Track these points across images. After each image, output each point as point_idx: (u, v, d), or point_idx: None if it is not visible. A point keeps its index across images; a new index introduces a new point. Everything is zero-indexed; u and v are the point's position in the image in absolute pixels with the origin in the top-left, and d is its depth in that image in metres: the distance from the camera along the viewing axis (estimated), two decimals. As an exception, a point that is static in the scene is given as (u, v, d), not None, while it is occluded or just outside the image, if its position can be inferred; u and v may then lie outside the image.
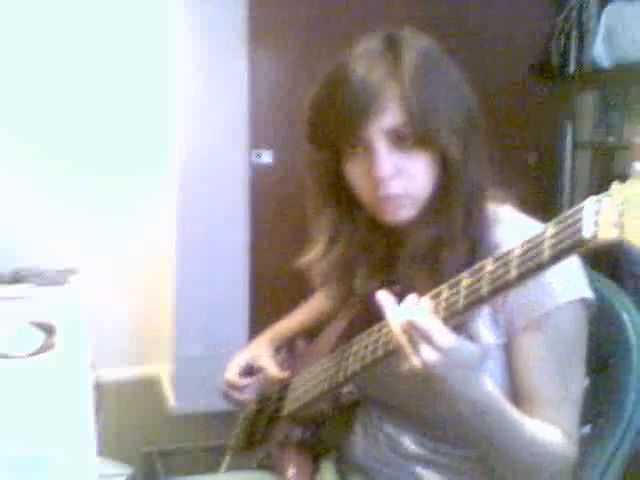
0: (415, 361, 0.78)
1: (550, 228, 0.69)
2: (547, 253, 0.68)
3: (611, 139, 3.01)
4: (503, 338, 0.93)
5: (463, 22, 2.97)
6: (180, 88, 2.86)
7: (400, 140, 0.90)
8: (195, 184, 2.88)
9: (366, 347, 0.92)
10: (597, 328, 0.96)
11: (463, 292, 0.77)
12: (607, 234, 0.64)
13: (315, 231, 1.04)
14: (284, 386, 1.16)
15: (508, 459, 0.89)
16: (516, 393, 0.93)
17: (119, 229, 3.14)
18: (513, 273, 0.72)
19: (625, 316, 1.02)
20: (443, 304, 0.80)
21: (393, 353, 0.86)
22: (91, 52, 2.97)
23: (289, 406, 1.12)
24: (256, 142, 2.94)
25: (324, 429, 1.13)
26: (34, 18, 2.88)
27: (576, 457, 0.93)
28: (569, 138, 2.95)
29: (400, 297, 1.00)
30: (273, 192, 2.96)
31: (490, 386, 0.84)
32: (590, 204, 0.66)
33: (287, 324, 1.31)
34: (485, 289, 0.75)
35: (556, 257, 0.68)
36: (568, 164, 2.95)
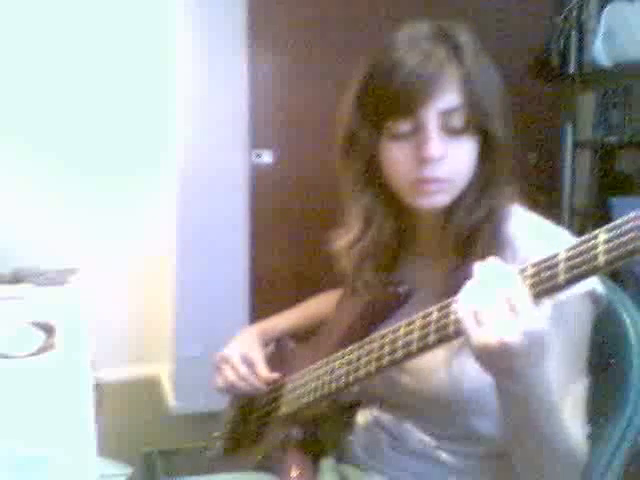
0: (491, 338, 0.73)
1: (602, 234, 0.68)
2: (602, 259, 0.67)
3: (611, 139, 3.01)
4: None
5: (462, 21, 2.97)
6: (180, 88, 2.86)
7: (450, 124, 0.91)
8: (195, 184, 2.88)
9: (381, 348, 0.91)
10: (597, 328, 0.96)
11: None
12: None
13: (347, 216, 1.04)
14: (278, 387, 1.16)
15: (544, 450, 0.86)
16: None
17: (119, 229, 3.14)
18: (562, 277, 0.71)
19: (625, 316, 1.02)
20: None
21: (414, 355, 0.86)
22: (91, 52, 2.97)
23: (288, 406, 1.11)
24: (256, 142, 2.93)
25: (324, 429, 1.12)
26: (34, 19, 2.88)
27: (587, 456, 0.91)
28: (569, 138, 2.95)
29: (406, 298, 1.00)
30: (273, 192, 2.96)
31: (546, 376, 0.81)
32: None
33: (277, 322, 1.29)
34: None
35: (611, 263, 0.67)
36: (568, 164, 2.95)
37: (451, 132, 0.92)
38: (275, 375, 1.16)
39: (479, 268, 0.77)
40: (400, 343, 0.87)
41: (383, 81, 0.93)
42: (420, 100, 0.90)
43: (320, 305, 1.29)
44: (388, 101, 0.92)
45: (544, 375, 0.79)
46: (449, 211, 0.95)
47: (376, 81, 0.94)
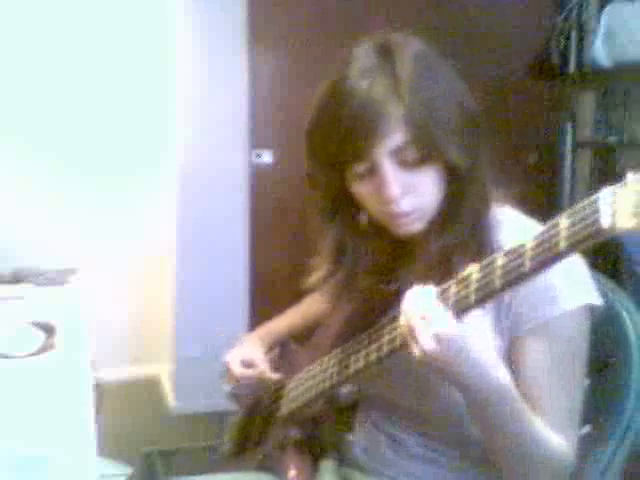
0: (415, 349, 0.79)
1: (563, 219, 0.68)
2: (563, 244, 0.68)
3: (611, 139, 3.01)
4: (506, 342, 0.92)
5: (463, 22, 2.97)
6: (180, 88, 2.86)
7: (404, 159, 0.89)
8: (195, 184, 2.88)
9: (369, 345, 0.92)
10: (597, 328, 0.96)
11: (474, 286, 0.77)
12: (625, 224, 0.63)
13: (319, 247, 1.04)
14: (279, 387, 1.16)
15: (513, 452, 0.88)
16: None
17: (119, 229, 3.14)
18: (527, 265, 0.72)
19: (625, 316, 1.02)
20: (452, 298, 0.80)
21: (398, 350, 0.86)
22: (91, 52, 2.97)
23: (287, 406, 1.11)
24: (256, 142, 2.94)
25: (324, 430, 1.13)
26: (35, 19, 2.88)
27: (573, 465, 0.92)
28: (569, 138, 2.95)
29: (400, 295, 1.00)
30: (273, 192, 2.96)
31: (502, 372, 0.84)
32: (606, 195, 0.65)
33: (277, 325, 1.30)
34: (498, 282, 0.75)
35: (573, 247, 0.68)
36: (568, 164, 2.95)
37: (408, 165, 0.90)
38: (276, 375, 1.16)
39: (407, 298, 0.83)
40: (385, 339, 0.89)
41: (329, 127, 0.91)
42: (368, 144, 0.88)
43: (316, 302, 1.29)
44: (338, 148, 0.91)
45: (484, 378, 0.82)
46: (426, 232, 0.95)
47: (323, 127, 0.93)
